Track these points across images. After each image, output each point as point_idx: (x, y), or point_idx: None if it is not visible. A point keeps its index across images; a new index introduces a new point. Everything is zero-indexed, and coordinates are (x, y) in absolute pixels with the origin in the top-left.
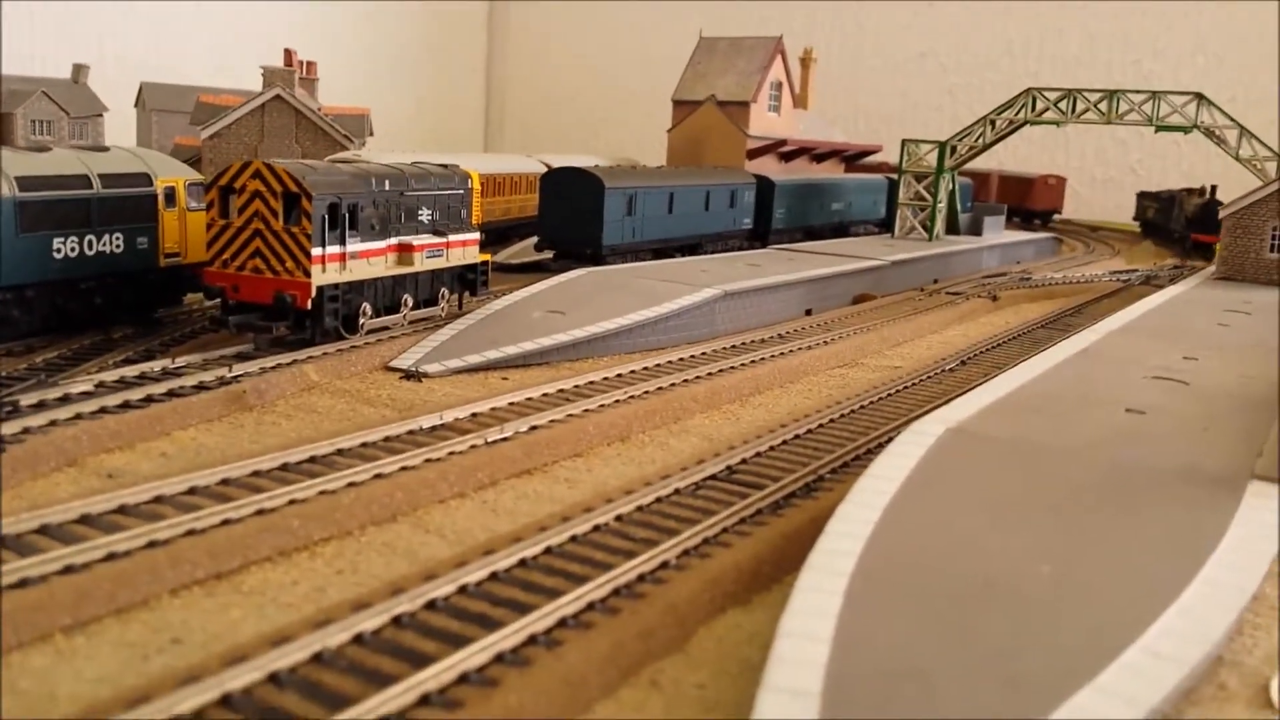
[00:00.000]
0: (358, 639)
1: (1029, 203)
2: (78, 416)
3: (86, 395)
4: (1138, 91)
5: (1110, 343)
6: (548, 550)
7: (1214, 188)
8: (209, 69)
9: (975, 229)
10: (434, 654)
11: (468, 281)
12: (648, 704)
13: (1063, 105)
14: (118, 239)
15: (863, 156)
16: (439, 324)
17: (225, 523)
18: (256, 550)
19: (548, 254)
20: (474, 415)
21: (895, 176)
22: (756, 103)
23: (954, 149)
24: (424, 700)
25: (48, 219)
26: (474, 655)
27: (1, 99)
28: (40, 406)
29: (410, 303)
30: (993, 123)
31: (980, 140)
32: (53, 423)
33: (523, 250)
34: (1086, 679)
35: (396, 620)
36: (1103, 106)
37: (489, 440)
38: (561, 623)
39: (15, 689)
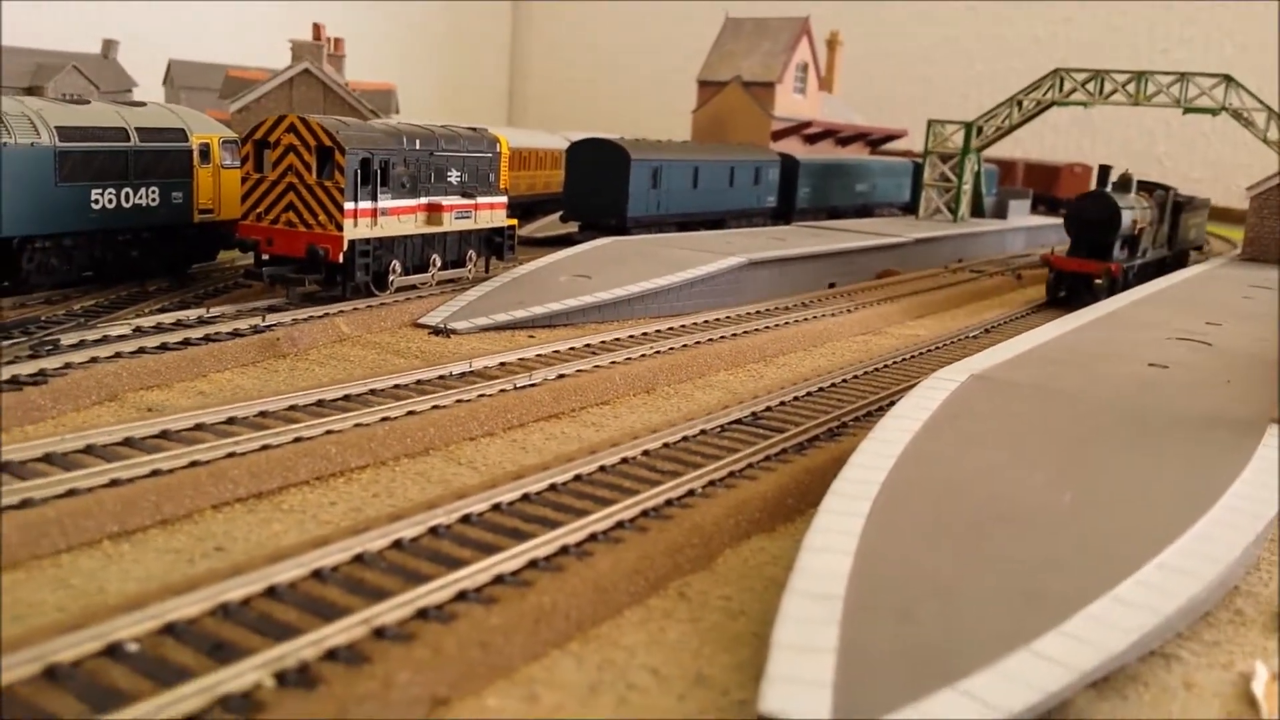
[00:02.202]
0: (396, 544)
1: (1055, 191)
2: (118, 355)
3: (124, 338)
4: (1166, 73)
5: (1134, 310)
6: (577, 478)
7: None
8: (232, 48)
9: (1000, 213)
10: (469, 559)
11: (494, 245)
12: (675, 611)
13: (1090, 86)
14: (153, 193)
15: (888, 141)
16: (466, 285)
17: (265, 448)
18: (295, 473)
19: (573, 226)
20: (502, 364)
21: (920, 160)
22: (782, 84)
23: (980, 130)
24: (460, 596)
25: (86, 170)
26: (508, 560)
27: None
28: (80, 345)
29: (439, 263)
30: (1020, 103)
31: (1007, 121)
32: (93, 360)
33: (548, 224)
34: (1105, 590)
35: (433, 530)
36: (1130, 88)
37: (517, 386)
38: (591, 537)
39: (67, 584)
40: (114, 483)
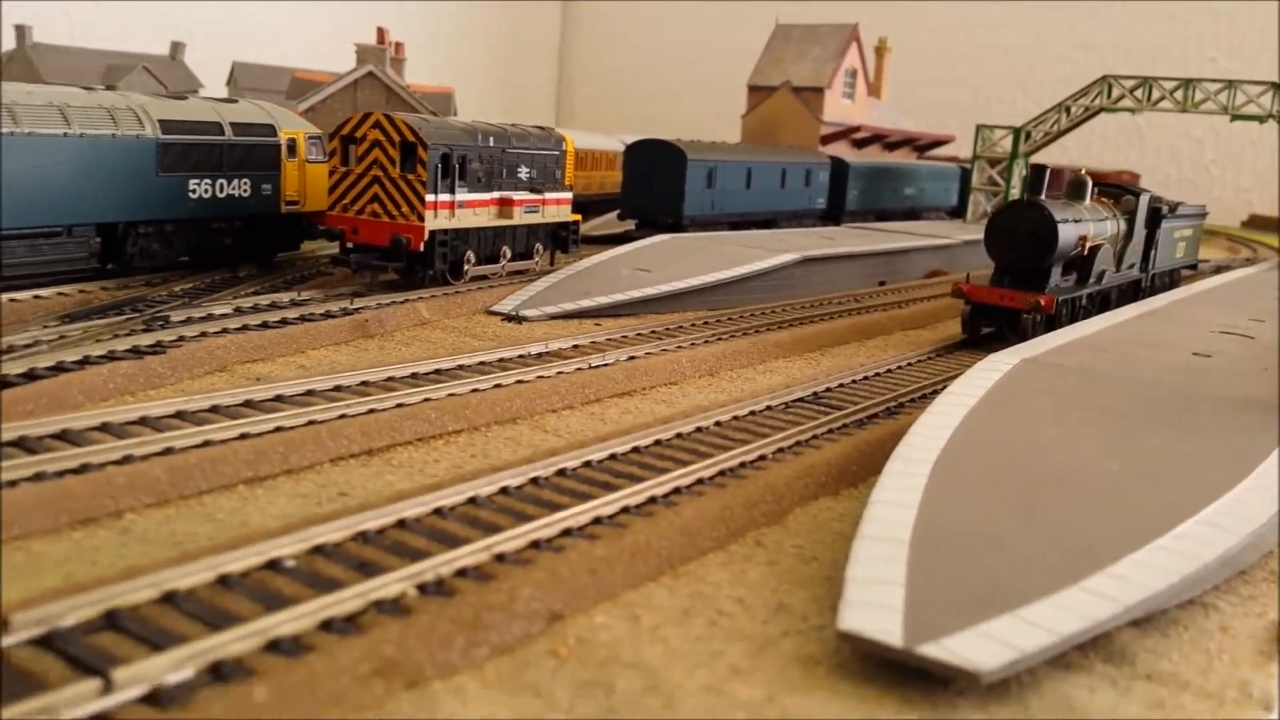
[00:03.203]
0: (503, 490)
1: None
2: (224, 330)
3: (227, 316)
4: (1213, 80)
5: (1178, 306)
6: (657, 442)
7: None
8: (288, 50)
9: None
10: (568, 503)
11: (560, 239)
12: (753, 556)
13: (1138, 93)
14: (245, 184)
15: (935, 146)
16: (533, 276)
17: (371, 411)
18: (400, 434)
19: (630, 224)
20: (575, 346)
21: (968, 165)
22: (831, 89)
23: (1028, 135)
24: (565, 533)
25: (185, 161)
26: (603, 506)
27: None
28: (188, 322)
29: (508, 254)
30: (1068, 109)
31: (1055, 127)
32: (203, 334)
33: (604, 224)
34: (1148, 541)
35: (534, 480)
36: (1178, 95)
37: (592, 365)
38: (675, 490)
39: (214, 519)
40: (244, 436)
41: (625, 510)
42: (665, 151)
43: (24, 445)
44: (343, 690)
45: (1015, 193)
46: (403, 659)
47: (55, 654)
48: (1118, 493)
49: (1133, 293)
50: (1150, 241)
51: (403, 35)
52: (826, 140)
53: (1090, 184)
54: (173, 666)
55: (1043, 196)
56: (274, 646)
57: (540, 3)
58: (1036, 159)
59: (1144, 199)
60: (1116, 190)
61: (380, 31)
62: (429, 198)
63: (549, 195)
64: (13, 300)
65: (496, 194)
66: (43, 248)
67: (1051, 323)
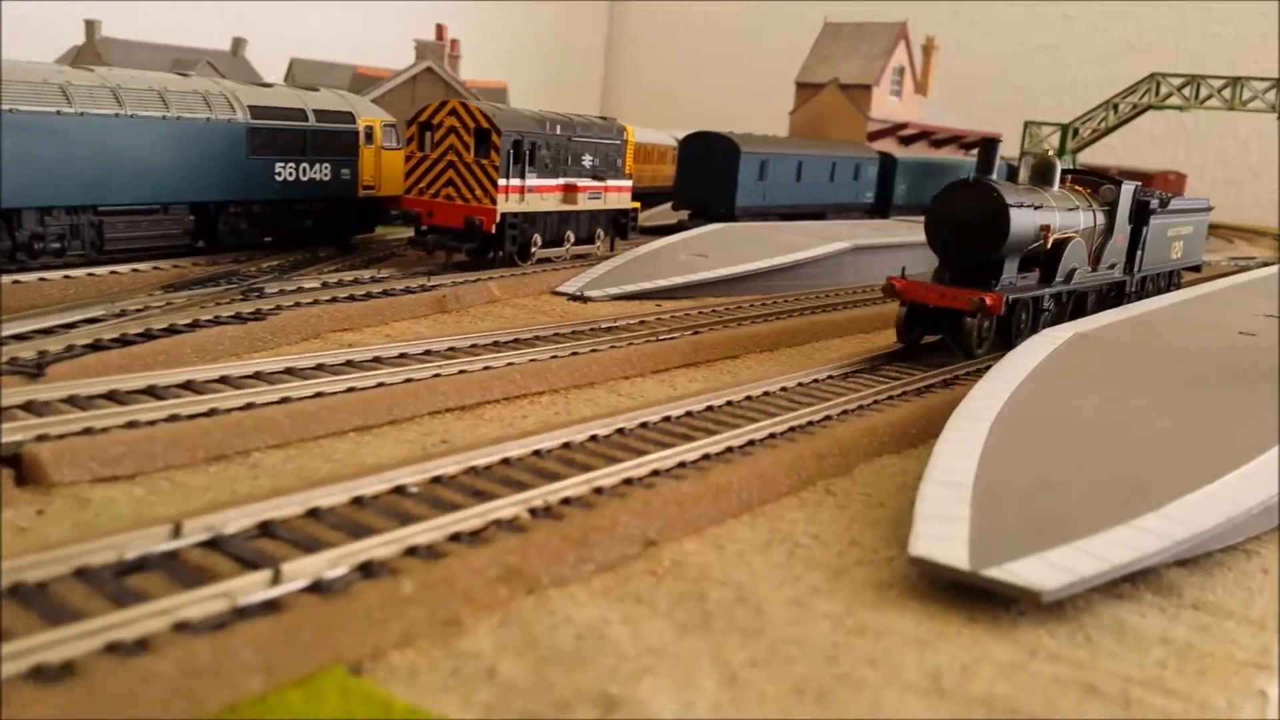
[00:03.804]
0: (593, 438)
1: None
2: (315, 302)
3: (315, 289)
4: (1261, 79)
5: (1226, 293)
6: (729, 403)
7: None
8: (342, 46)
9: None
10: (653, 450)
11: (619, 225)
12: (824, 501)
13: (1186, 91)
14: (325, 168)
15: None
16: (594, 260)
17: (462, 372)
18: (490, 392)
19: (683, 214)
20: (642, 321)
21: (1014, 163)
22: (879, 87)
23: (1076, 132)
24: (654, 473)
25: (272, 145)
26: (688, 452)
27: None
28: (281, 293)
29: (572, 238)
30: (1115, 106)
31: (1103, 124)
32: (297, 304)
33: (658, 215)
34: (1195, 488)
35: (619, 430)
36: (1226, 94)
37: (659, 338)
38: (750, 442)
39: (332, 459)
40: (351, 389)
41: (706, 457)
42: (719, 144)
43: (153, 392)
44: (475, 590)
45: None
46: (523, 567)
47: (221, 554)
48: (1166, 446)
49: (1116, 296)
50: (1137, 239)
51: (455, 31)
52: (874, 137)
53: (1058, 167)
54: (329, 564)
55: (994, 176)
56: (412, 552)
57: (587, 1)
58: (1082, 159)
59: (1126, 190)
60: (1094, 179)
61: (439, 28)
62: (501, 182)
63: (611, 183)
64: (114, 273)
65: (562, 180)
66: (142, 224)
67: (1005, 329)
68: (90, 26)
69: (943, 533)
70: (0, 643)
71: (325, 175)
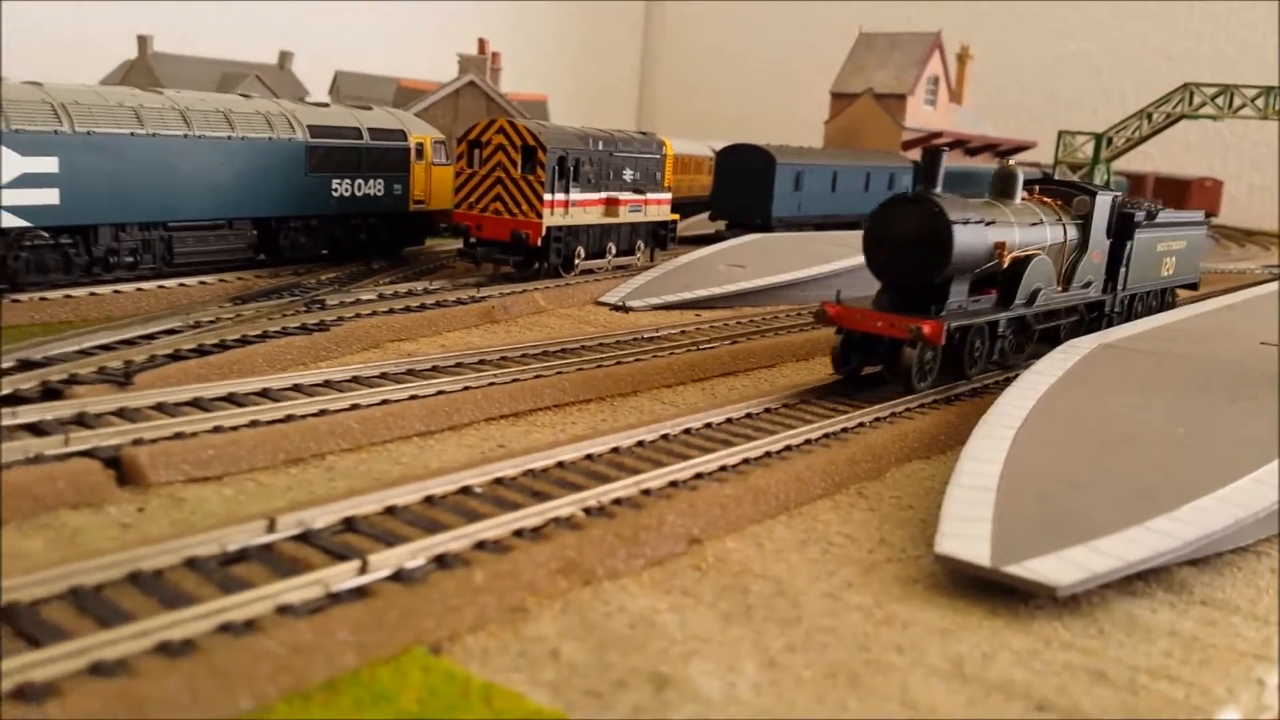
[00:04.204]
0: (639, 443)
1: (1185, 204)
2: (374, 313)
3: (373, 301)
4: None
5: (1252, 303)
6: (767, 410)
7: None
8: (381, 58)
9: None
10: (697, 455)
11: (659, 237)
12: (857, 503)
13: (1220, 101)
14: (379, 184)
15: (1016, 151)
16: (635, 271)
17: (515, 380)
18: (541, 400)
19: (720, 224)
20: (683, 331)
21: (1050, 170)
22: (913, 96)
23: (1110, 141)
24: (698, 476)
25: (329, 163)
26: (729, 457)
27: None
28: (340, 305)
29: (613, 250)
30: (1149, 116)
31: (1137, 133)
32: (357, 316)
33: (696, 224)
34: (1207, 491)
35: (664, 436)
36: (1260, 103)
37: (699, 347)
38: (788, 447)
39: (399, 462)
40: (413, 397)
41: (746, 461)
42: (755, 156)
43: (233, 400)
44: (538, 580)
45: None
46: (580, 561)
47: (312, 547)
48: (1181, 452)
49: (1095, 319)
50: (1119, 255)
51: (494, 42)
52: (908, 146)
53: (1019, 177)
54: (409, 556)
55: (938, 189)
56: (480, 546)
57: (624, 13)
58: (1118, 166)
59: (1103, 201)
60: (1068, 189)
61: (481, 42)
62: (546, 197)
63: (650, 195)
64: (183, 285)
65: (604, 194)
66: (208, 239)
67: (957, 359)
68: (142, 42)
69: (967, 532)
70: (128, 623)
71: (379, 191)
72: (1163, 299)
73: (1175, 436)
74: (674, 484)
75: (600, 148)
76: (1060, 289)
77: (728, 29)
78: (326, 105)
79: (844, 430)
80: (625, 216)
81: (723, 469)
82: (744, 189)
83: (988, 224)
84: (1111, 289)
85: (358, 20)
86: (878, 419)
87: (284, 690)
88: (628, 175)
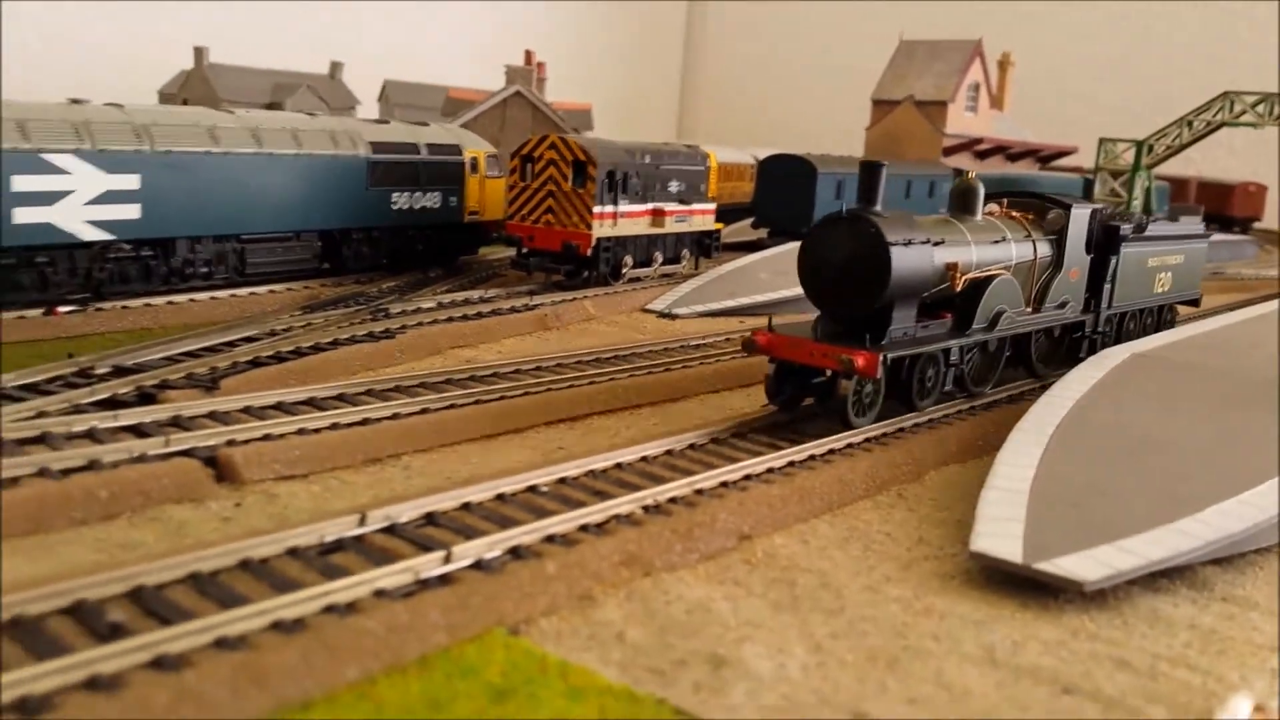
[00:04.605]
0: (691, 446)
1: (1228, 209)
2: (435, 321)
3: (433, 309)
4: None
5: None
6: (814, 415)
7: None
8: (438, 68)
9: None
10: (746, 458)
11: (704, 245)
12: (897, 505)
13: (1260, 109)
14: (435, 196)
15: (1058, 157)
16: (681, 279)
17: (571, 385)
18: (595, 405)
19: (763, 232)
20: (727, 338)
21: (1090, 176)
22: (954, 103)
23: (1151, 148)
24: (747, 477)
25: (389, 177)
26: (777, 460)
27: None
28: (403, 313)
29: (660, 259)
30: (1190, 124)
31: (1177, 140)
32: (419, 323)
33: (739, 230)
34: (1230, 495)
35: (714, 439)
36: None
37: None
38: (830, 451)
39: (469, 462)
40: (478, 402)
41: (792, 464)
42: (797, 165)
43: (313, 403)
44: (603, 571)
45: (1137, 204)
46: (640, 554)
47: (399, 539)
48: (1207, 458)
49: (1074, 343)
50: (1102, 271)
51: (537, 51)
52: (949, 152)
53: (980, 191)
54: (487, 548)
55: (879, 206)
56: (550, 539)
57: (666, 23)
58: (1161, 171)
59: (1079, 215)
60: (1040, 202)
61: (528, 54)
62: (596, 209)
63: (695, 206)
64: (253, 294)
65: (651, 205)
66: (277, 250)
67: (905, 389)
68: (199, 53)
69: (1001, 531)
70: (244, 604)
71: (435, 203)
72: (1160, 317)
73: (1200, 443)
74: (725, 484)
75: (647, 161)
76: (1030, 310)
77: (768, 36)
78: (386, 122)
79: (885, 435)
80: (671, 227)
81: (770, 471)
82: (786, 198)
83: (936, 243)
84: (1094, 308)
85: (405, 28)
86: (917, 425)
87: (384, 664)
88: (673, 187)
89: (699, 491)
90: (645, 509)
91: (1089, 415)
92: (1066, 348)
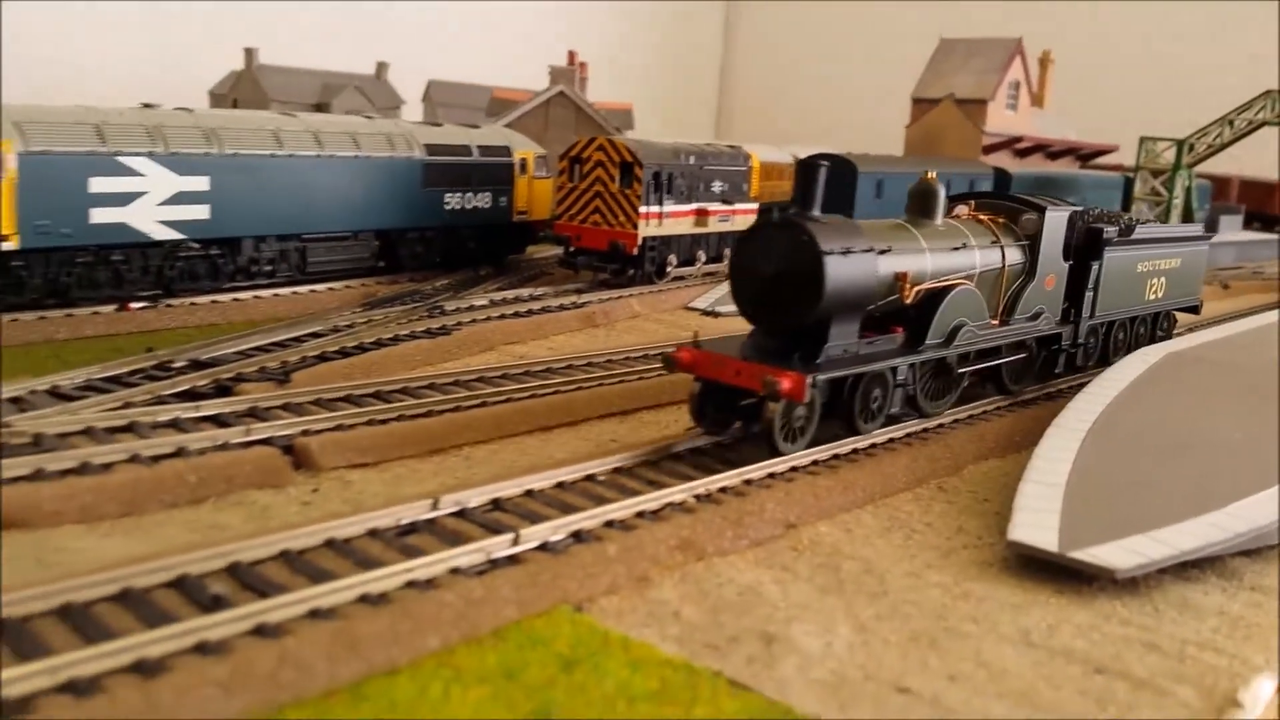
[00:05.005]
0: (741, 440)
1: (1271, 208)
2: (488, 318)
3: (484, 306)
4: None
5: None
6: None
7: None
8: (475, 67)
9: (1211, 227)
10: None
11: None
12: (937, 497)
13: None
14: (486, 197)
15: (1098, 155)
16: (723, 277)
17: (622, 381)
18: (643, 400)
19: None
20: None
21: (1131, 174)
22: (994, 101)
23: (1191, 147)
24: (793, 469)
25: (443, 178)
26: (821, 452)
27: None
28: (456, 310)
29: (703, 258)
30: (1231, 123)
31: (1218, 140)
32: (473, 320)
33: None
34: (1260, 490)
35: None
36: None
37: None
38: (874, 445)
39: (525, 452)
40: (533, 396)
41: (836, 456)
42: (837, 164)
43: (380, 396)
44: (659, 554)
45: (1178, 203)
46: (693, 540)
47: (469, 522)
48: (1238, 453)
49: (1051, 356)
50: (1082, 278)
51: (577, 50)
52: (989, 150)
53: (940, 193)
54: (552, 531)
55: (816, 210)
56: (609, 524)
57: (705, 21)
58: (1203, 168)
59: (1055, 218)
60: (1013, 205)
61: (570, 54)
62: (642, 209)
63: (738, 206)
64: (314, 291)
65: (695, 205)
66: (337, 249)
67: (847, 411)
68: (249, 54)
69: (1037, 522)
70: (334, 579)
71: (486, 203)
72: (1154, 326)
73: (1232, 439)
74: (771, 475)
75: (691, 162)
76: (997, 322)
77: (807, 34)
78: (440, 125)
79: (925, 430)
80: (714, 226)
81: (815, 463)
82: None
83: (881, 251)
84: (1074, 318)
85: (447, 28)
86: (956, 420)
87: (462, 635)
88: (716, 187)
89: (748, 482)
90: (697, 498)
91: (1124, 411)
92: (1044, 362)
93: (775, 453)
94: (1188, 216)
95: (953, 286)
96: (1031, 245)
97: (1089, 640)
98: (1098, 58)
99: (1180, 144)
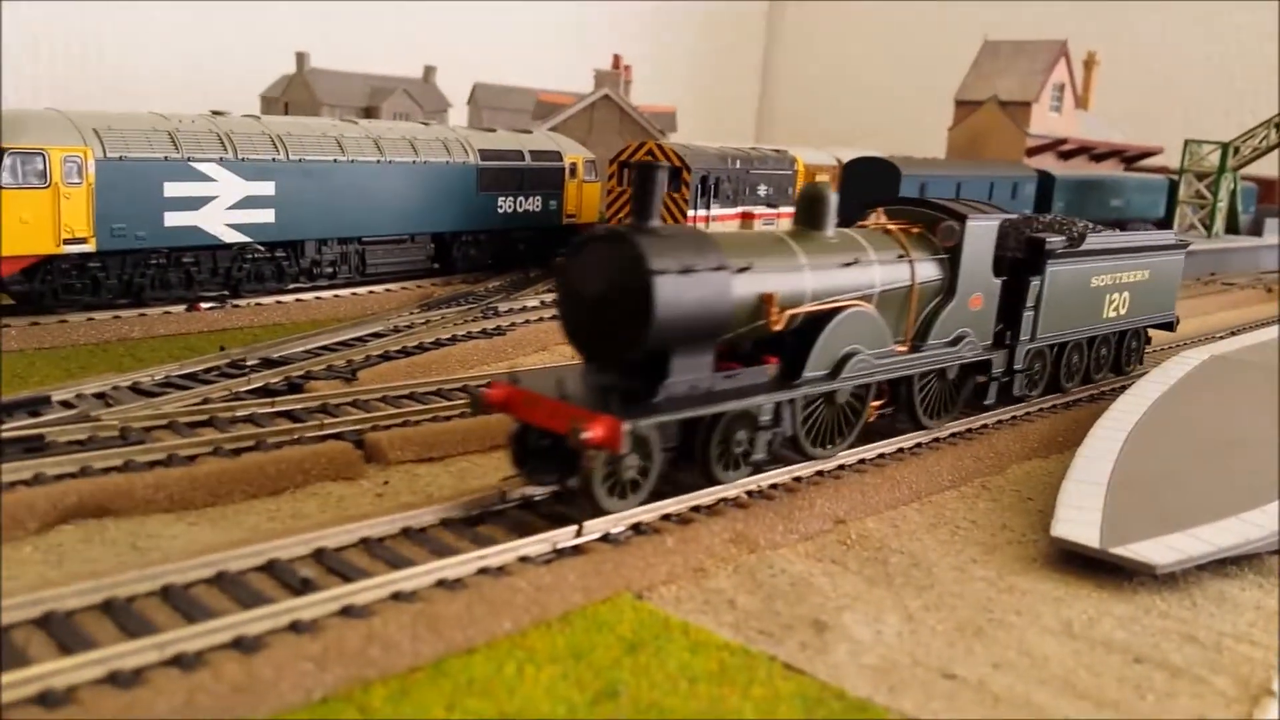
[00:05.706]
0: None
1: None
2: (541, 319)
3: (536, 308)
4: None
5: None
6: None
7: None
8: (520, 69)
9: (1256, 230)
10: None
11: None
12: (980, 495)
13: None
14: (537, 201)
15: (1143, 158)
16: None
17: None
18: None
19: None
20: None
21: (1176, 177)
22: (1038, 103)
23: (1237, 150)
24: (841, 467)
25: (496, 182)
26: (868, 451)
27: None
28: (510, 311)
29: None
30: (1277, 125)
31: (1264, 142)
32: (526, 321)
33: None
34: None
35: None
36: None
37: None
38: (919, 444)
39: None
40: None
41: (882, 455)
42: (881, 168)
43: (441, 393)
44: (714, 547)
45: (1223, 206)
46: (747, 533)
47: (534, 514)
48: (1277, 455)
49: (981, 386)
50: (1020, 295)
51: (620, 52)
52: (1032, 152)
53: (831, 199)
54: (613, 524)
55: (655, 221)
56: (666, 518)
57: (747, 23)
58: (1249, 171)
59: (978, 228)
60: (931, 212)
61: (615, 58)
62: (690, 213)
63: (782, 209)
64: (372, 293)
65: (741, 209)
66: (395, 252)
67: (704, 458)
68: (300, 58)
69: (1080, 519)
70: (412, 565)
71: (537, 207)
72: (1121, 346)
73: (1272, 440)
74: (820, 473)
75: (737, 166)
76: (905, 349)
77: (849, 36)
78: (494, 130)
79: (969, 430)
80: (759, 229)
81: (862, 462)
82: (872, 199)
83: (739, 269)
84: (1010, 341)
85: (492, 31)
86: (999, 421)
87: (533, 618)
88: (762, 191)
89: (797, 479)
90: (750, 493)
91: (1166, 413)
92: (973, 391)
93: (599, 510)
94: (1233, 219)
95: (839, 309)
96: (951, 259)
97: (1129, 631)
98: (1143, 59)
99: (1225, 147)
